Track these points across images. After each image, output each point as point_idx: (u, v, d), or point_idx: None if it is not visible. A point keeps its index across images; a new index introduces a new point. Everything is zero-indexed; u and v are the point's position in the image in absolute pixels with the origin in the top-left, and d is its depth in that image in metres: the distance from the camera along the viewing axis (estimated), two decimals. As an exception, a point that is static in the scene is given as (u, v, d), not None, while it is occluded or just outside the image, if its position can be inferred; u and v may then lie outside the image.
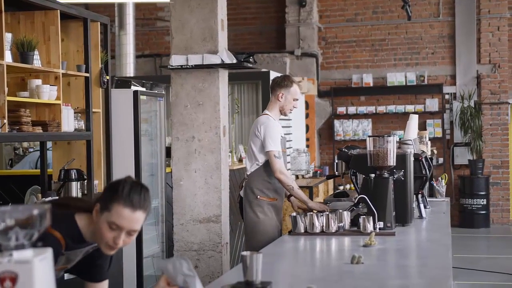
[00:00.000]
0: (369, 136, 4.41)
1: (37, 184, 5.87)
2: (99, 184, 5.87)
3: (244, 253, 2.69)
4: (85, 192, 5.65)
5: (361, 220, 4.16)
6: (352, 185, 11.91)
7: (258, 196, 5.14)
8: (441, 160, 12.29)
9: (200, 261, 5.53)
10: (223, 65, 5.94)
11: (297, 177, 10.01)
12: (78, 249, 2.65)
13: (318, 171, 10.97)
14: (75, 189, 5.50)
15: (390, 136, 4.38)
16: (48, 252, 1.80)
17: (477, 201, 11.93)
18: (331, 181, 11.04)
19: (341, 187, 11.98)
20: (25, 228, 1.78)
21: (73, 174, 5.48)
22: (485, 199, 11.96)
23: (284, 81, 5.27)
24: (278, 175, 5.04)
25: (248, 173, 5.25)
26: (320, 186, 9.59)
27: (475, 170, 11.99)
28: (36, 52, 4.98)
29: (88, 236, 2.62)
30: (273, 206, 5.16)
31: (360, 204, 4.38)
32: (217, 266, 5.53)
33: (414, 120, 5.42)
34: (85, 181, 5.62)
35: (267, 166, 5.13)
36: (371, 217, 4.14)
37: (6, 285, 1.72)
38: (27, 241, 1.79)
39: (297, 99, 5.28)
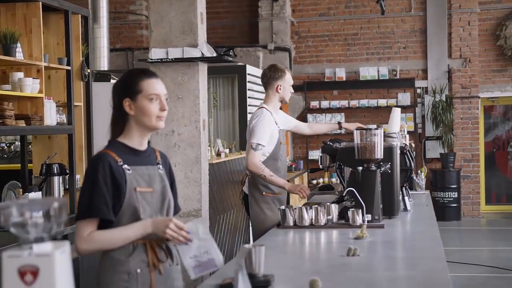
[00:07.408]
0: (356, 129, 4.42)
1: (15, 179, 5.76)
2: (81, 179, 5.80)
3: (247, 246, 2.69)
4: (67, 187, 5.58)
5: (350, 213, 4.17)
6: (328, 179, 11.97)
7: (264, 193, 5.11)
8: (413, 153, 12.40)
9: (181, 255, 5.51)
10: (203, 59, 5.91)
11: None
12: (143, 165, 2.82)
13: (293, 165, 11.00)
14: (57, 184, 5.43)
15: (377, 129, 4.40)
16: (67, 246, 1.77)
17: (448, 194, 12.07)
18: (305, 175, 11.09)
19: (315, 181, 12.04)
20: (44, 221, 1.76)
21: (55, 168, 5.40)
22: (456, 192, 12.11)
23: (278, 73, 5.31)
24: (248, 168, 5.03)
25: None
26: (296, 180, 9.62)
27: (447, 164, 12.13)
28: (18, 45, 4.91)
29: (136, 143, 2.83)
30: (278, 201, 5.13)
31: (346, 197, 4.39)
32: (198, 260, 5.51)
33: (397, 113, 5.45)
34: (67, 175, 5.55)
35: (269, 161, 5.08)
36: (360, 210, 4.17)
37: (27, 279, 1.69)
38: (47, 234, 1.76)
39: (292, 84, 5.44)
